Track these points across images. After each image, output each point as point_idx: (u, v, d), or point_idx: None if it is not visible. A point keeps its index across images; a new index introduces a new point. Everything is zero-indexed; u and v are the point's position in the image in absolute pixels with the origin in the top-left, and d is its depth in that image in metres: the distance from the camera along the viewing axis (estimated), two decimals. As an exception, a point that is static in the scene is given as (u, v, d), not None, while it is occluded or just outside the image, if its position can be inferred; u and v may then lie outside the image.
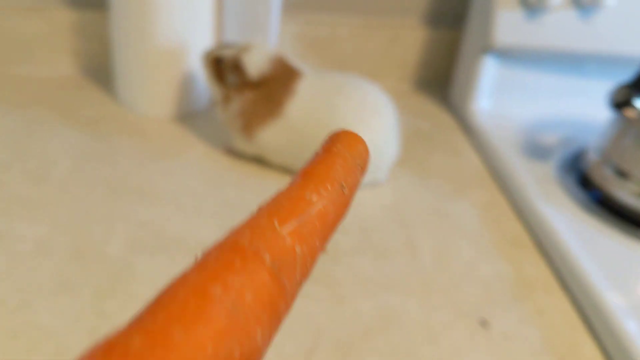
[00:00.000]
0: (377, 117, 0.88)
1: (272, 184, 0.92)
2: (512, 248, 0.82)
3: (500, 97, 1.13)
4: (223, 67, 0.90)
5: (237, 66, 0.89)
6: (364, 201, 0.90)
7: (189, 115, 1.16)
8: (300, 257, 0.21)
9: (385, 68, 1.42)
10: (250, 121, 0.91)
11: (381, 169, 0.92)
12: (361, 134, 0.30)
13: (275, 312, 0.19)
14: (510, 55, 1.08)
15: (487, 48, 1.05)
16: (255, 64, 0.89)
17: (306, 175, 0.24)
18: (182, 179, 0.96)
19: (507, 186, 0.93)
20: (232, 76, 0.89)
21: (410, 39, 1.33)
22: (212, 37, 1.08)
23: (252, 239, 0.21)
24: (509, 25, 1.01)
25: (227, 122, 0.95)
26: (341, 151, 0.26)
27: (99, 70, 1.23)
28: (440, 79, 1.42)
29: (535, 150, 1.01)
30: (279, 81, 0.90)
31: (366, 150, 0.27)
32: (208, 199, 0.90)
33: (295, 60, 0.94)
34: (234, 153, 1.02)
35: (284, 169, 0.94)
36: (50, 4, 1.11)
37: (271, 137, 0.90)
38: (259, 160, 0.97)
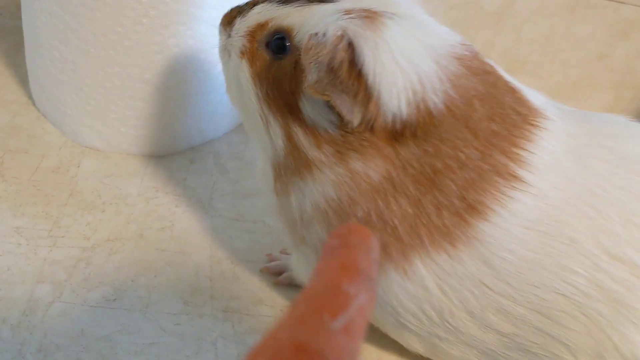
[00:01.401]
0: None
1: None
2: None
3: None
4: (286, 67, 0.45)
5: (344, 70, 0.40)
6: None
7: (178, 155, 0.66)
8: (352, 355, 0.21)
9: (599, 80, 0.92)
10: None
11: None
12: None
13: None
14: None
15: None
16: (409, 75, 0.40)
17: (339, 268, 0.24)
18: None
19: None
20: (318, 105, 0.43)
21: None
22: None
23: (308, 337, 0.20)
24: None
25: (287, 224, 0.48)
26: (359, 244, 0.26)
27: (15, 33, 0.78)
28: None
29: None
30: (474, 134, 0.42)
31: (377, 245, 0.27)
32: None
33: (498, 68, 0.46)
34: (291, 283, 0.55)
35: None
36: None
37: (418, 289, 0.44)
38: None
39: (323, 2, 0.45)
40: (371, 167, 0.42)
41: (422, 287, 0.43)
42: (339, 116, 0.41)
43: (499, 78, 0.44)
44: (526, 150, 0.41)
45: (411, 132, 0.41)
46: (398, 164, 0.41)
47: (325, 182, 0.43)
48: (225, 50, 0.49)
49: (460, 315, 0.44)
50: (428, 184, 0.41)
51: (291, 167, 0.45)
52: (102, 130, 0.61)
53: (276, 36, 0.45)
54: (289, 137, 0.44)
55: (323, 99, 0.41)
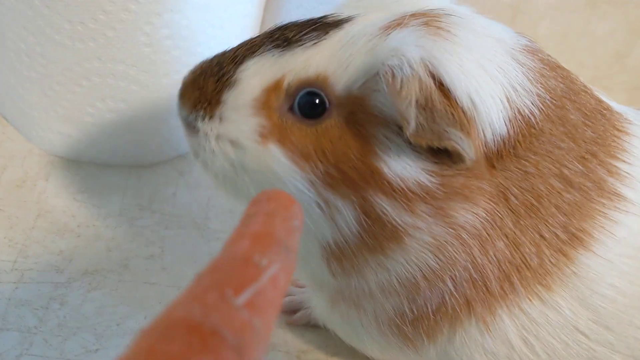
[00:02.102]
0: None
1: None
2: None
3: None
4: (336, 128, 0.35)
5: (438, 99, 0.31)
6: None
7: (164, 165, 0.56)
8: (259, 331, 0.20)
9: (613, 80, 0.86)
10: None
11: None
12: None
13: None
14: None
15: None
16: (500, 80, 0.33)
17: (251, 237, 0.23)
18: None
19: None
20: (405, 155, 0.34)
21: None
22: None
23: (205, 314, 0.19)
24: None
25: (338, 297, 0.40)
26: (278, 211, 0.25)
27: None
28: None
29: None
30: (574, 142, 0.35)
31: (300, 211, 0.26)
32: None
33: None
34: (308, 323, 0.47)
35: None
36: None
37: (498, 344, 0.37)
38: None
39: (336, 26, 0.35)
40: (477, 211, 0.34)
41: (504, 341, 0.37)
42: (441, 160, 0.33)
43: (569, 72, 0.38)
44: (623, 161, 0.35)
45: (509, 150, 0.33)
46: (499, 196, 0.34)
47: (421, 249, 0.35)
48: (220, 145, 0.36)
49: None
50: (530, 216, 0.34)
51: (368, 245, 0.36)
52: (75, 136, 0.51)
53: (302, 94, 0.35)
54: (368, 213, 0.35)
55: (440, 145, 0.32)
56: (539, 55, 0.36)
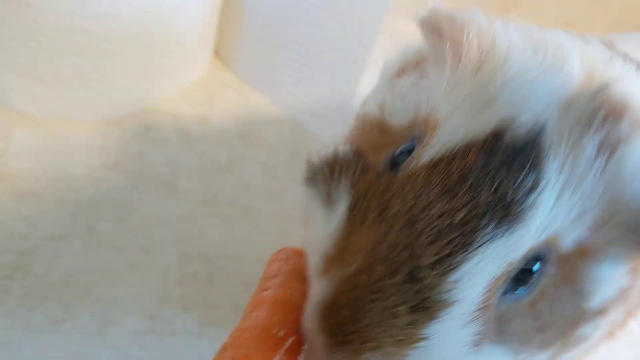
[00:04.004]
0: None
1: None
2: None
3: None
4: (553, 283, 0.27)
5: None
6: None
7: (130, 119, 0.52)
8: None
9: (595, 20, 0.84)
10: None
11: None
12: None
13: None
14: None
15: None
16: None
17: (271, 304, 0.24)
18: None
19: None
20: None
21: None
22: None
23: None
24: None
25: None
26: (297, 273, 0.25)
27: None
28: None
29: None
30: None
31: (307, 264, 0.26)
32: None
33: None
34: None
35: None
36: None
37: None
38: None
39: (532, 157, 0.26)
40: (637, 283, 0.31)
41: None
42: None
43: None
44: None
45: None
46: None
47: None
48: None
49: None
50: None
51: None
52: (36, 92, 0.47)
53: (521, 267, 0.26)
54: (568, 349, 0.31)
55: None
56: None
